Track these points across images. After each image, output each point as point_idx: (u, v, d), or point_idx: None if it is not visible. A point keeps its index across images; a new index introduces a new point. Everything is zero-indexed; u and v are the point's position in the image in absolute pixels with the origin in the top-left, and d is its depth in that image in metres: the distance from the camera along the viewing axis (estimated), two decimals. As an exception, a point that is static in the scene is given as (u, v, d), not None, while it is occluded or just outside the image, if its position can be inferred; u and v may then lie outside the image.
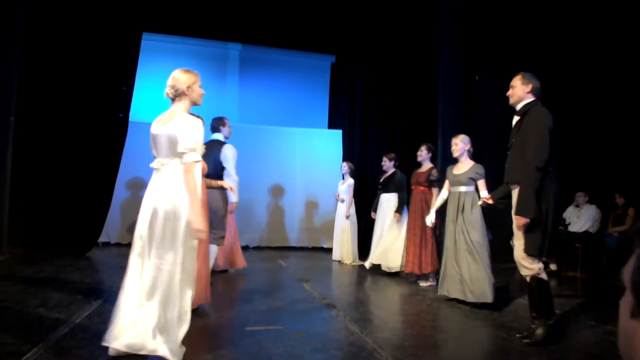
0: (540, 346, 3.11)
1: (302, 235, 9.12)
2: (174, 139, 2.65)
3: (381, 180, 6.47)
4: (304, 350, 2.91)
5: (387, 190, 6.32)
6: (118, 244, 8.10)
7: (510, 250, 7.66)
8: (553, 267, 6.65)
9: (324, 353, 2.90)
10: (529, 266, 3.21)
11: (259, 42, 9.28)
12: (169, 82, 2.83)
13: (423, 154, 5.59)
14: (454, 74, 8.05)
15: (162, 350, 2.47)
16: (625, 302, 0.70)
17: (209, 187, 4.35)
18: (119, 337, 2.49)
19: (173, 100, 2.86)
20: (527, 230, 3.16)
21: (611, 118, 7.19)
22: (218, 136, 4.91)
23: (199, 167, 2.67)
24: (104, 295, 4.14)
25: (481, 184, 4.46)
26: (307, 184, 9.06)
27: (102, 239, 7.54)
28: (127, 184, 8.19)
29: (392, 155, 6.50)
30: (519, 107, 3.45)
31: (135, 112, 7.60)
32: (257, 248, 8.54)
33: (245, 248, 8.34)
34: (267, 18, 8.54)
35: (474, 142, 7.88)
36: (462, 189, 4.45)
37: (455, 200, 4.46)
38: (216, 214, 4.47)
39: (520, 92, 3.42)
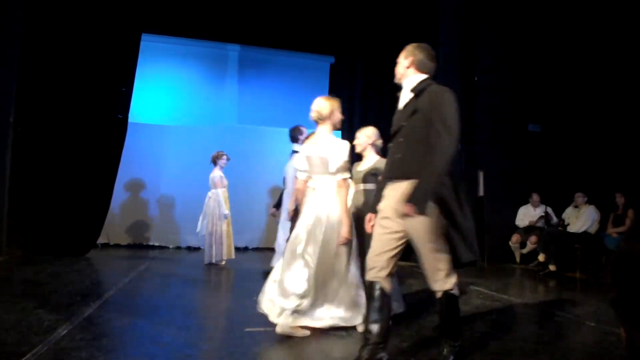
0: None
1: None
2: (325, 160, 3.11)
3: None
4: (303, 350, 2.91)
5: None
6: (117, 245, 8.10)
7: (507, 250, 7.69)
8: (552, 267, 6.65)
9: (324, 353, 2.90)
10: (445, 278, 2.56)
11: (258, 43, 9.27)
12: (314, 107, 3.25)
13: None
14: (453, 74, 8.06)
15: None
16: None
17: None
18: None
19: (317, 123, 3.27)
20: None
21: (611, 117, 7.20)
22: (296, 146, 4.89)
23: (348, 183, 3.20)
24: (103, 297, 4.14)
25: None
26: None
27: (101, 240, 7.53)
28: (126, 185, 8.18)
29: None
30: (406, 84, 2.78)
31: (135, 113, 7.60)
32: (257, 249, 8.53)
33: (244, 249, 8.35)
34: (266, 19, 8.53)
35: (473, 143, 7.86)
36: (365, 186, 3.87)
37: (359, 198, 3.87)
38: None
39: (401, 67, 2.80)
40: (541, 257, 6.91)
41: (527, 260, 7.38)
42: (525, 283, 6.16)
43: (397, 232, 2.57)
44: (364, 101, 9.15)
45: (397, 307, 3.64)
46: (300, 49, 9.49)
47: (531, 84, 7.89)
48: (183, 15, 8.30)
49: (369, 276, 2.64)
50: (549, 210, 7.31)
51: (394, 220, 2.57)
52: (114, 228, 8.07)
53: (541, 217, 7.26)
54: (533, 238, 7.08)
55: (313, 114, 3.24)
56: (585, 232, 6.64)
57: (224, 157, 6.65)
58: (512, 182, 7.73)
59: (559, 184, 7.49)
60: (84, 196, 6.55)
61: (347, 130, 9.37)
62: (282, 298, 3.18)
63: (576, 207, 6.91)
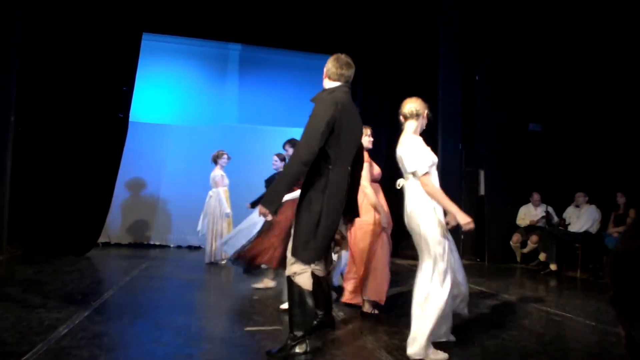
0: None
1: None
2: (402, 160, 3.05)
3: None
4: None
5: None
6: (118, 244, 8.10)
7: (508, 249, 7.68)
8: (553, 267, 6.64)
9: (325, 353, 2.90)
10: (289, 265, 2.81)
11: (259, 43, 9.26)
12: (410, 105, 3.18)
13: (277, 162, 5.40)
14: (454, 74, 8.06)
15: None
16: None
17: None
18: None
19: (405, 120, 3.19)
20: (297, 230, 2.76)
21: (612, 117, 7.18)
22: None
23: (432, 177, 2.99)
24: (103, 296, 4.14)
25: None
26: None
27: (102, 239, 7.54)
28: (127, 184, 8.19)
29: (283, 155, 6.06)
30: None
31: (135, 113, 7.60)
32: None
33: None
34: (267, 18, 8.52)
35: (474, 143, 7.87)
36: None
37: None
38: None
39: (323, 76, 3.09)
40: (542, 257, 6.91)
41: (528, 260, 7.38)
42: (525, 282, 6.16)
43: None
44: (365, 100, 9.14)
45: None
46: (302, 49, 9.48)
47: (532, 83, 7.88)
48: (184, 15, 8.29)
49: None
50: (550, 209, 7.30)
51: None
52: (115, 227, 8.08)
53: (542, 216, 7.25)
54: (534, 237, 7.08)
55: (408, 111, 3.16)
56: (586, 232, 6.63)
57: (225, 156, 6.65)
58: (513, 181, 7.73)
59: (560, 183, 7.48)
60: (85, 195, 6.56)
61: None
62: None
63: (577, 206, 6.90)
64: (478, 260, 7.72)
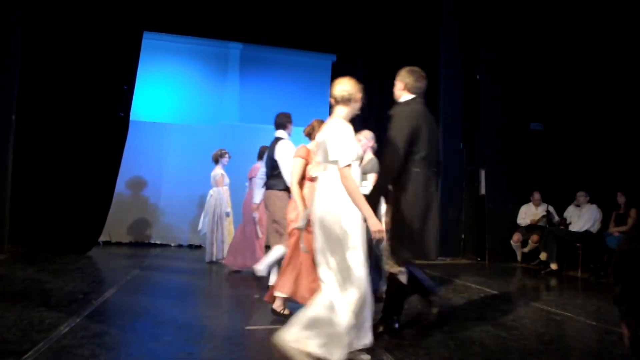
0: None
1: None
2: (325, 146, 2.69)
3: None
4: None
5: None
6: (119, 243, 8.11)
7: (509, 248, 7.68)
8: (554, 266, 6.64)
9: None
10: (389, 267, 3.23)
11: (260, 42, 9.26)
12: (341, 87, 2.81)
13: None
14: (455, 73, 8.05)
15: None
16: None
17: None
18: None
19: (337, 103, 2.83)
20: (394, 232, 3.11)
21: (613, 116, 7.17)
22: (282, 133, 4.69)
23: (353, 172, 2.70)
24: (104, 294, 4.15)
25: (371, 177, 4.27)
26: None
27: (103, 238, 7.55)
28: (127, 183, 8.20)
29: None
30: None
31: (136, 111, 7.61)
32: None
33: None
34: (267, 17, 8.52)
35: (475, 142, 7.86)
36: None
37: None
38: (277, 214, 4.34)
39: (397, 89, 3.36)
40: (543, 256, 6.90)
41: (529, 259, 7.37)
42: (526, 282, 6.16)
43: None
44: (366, 99, 9.14)
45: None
46: (302, 47, 9.47)
47: (533, 83, 7.87)
48: (185, 13, 8.29)
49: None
50: (551, 209, 7.29)
51: None
52: (116, 226, 8.08)
53: (543, 215, 7.25)
54: (535, 237, 7.08)
55: (340, 93, 2.83)
56: (586, 231, 6.62)
57: (227, 155, 6.65)
58: (514, 180, 7.72)
59: (561, 182, 7.47)
60: (86, 194, 6.57)
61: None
62: None
63: (578, 205, 6.90)
64: (479, 259, 7.72)
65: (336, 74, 9.97)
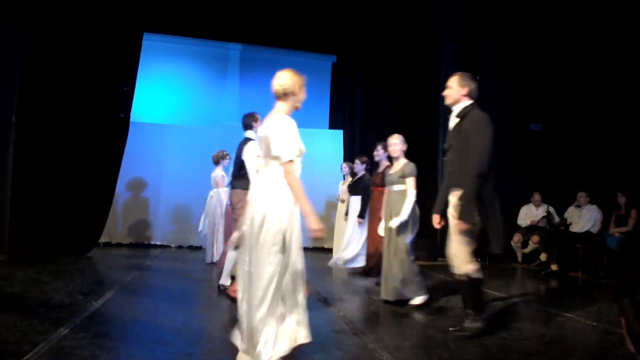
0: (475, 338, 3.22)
1: (303, 235, 9.09)
2: (267, 140, 2.60)
3: (350, 183, 6.55)
4: (304, 350, 2.91)
5: (355, 193, 6.36)
6: (119, 244, 8.11)
7: (509, 249, 7.67)
8: (554, 267, 6.63)
9: (325, 353, 2.90)
10: (463, 265, 3.32)
11: (260, 42, 9.28)
12: (279, 80, 2.73)
13: (380, 153, 5.43)
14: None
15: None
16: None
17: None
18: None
19: (278, 98, 2.76)
20: (471, 233, 3.27)
21: (612, 117, 7.17)
22: (251, 134, 4.74)
23: (297, 166, 2.66)
24: (105, 295, 4.14)
25: (410, 181, 4.34)
26: (308, 185, 8.97)
27: (103, 239, 7.55)
28: (128, 184, 8.20)
29: (365, 158, 6.44)
30: (455, 109, 3.50)
31: (136, 112, 7.61)
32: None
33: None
34: (267, 18, 8.53)
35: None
36: (394, 187, 4.40)
37: (389, 200, 4.43)
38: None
39: (456, 93, 3.48)
40: (543, 257, 6.90)
41: (529, 260, 7.37)
42: (527, 282, 6.16)
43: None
44: (366, 100, 9.15)
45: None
46: (302, 48, 9.48)
47: (533, 84, 7.87)
48: (185, 15, 8.30)
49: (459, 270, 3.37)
50: (551, 209, 7.29)
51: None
52: (116, 227, 8.09)
53: (543, 216, 7.24)
54: (535, 237, 7.07)
55: (278, 87, 2.76)
56: (587, 232, 6.62)
57: (227, 156, 6.62)
58: (514, 181, 7.71)
59: (561, 183, 7.47)
60: (86, 195, 6.57)
61: (349, 130, 9.41)
62: None
63: (578, 206, 6.90)
64: (479, 260, 7.69)
65: (336, 74, 9.99)
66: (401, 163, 4.45)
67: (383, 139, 8.85)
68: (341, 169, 7.66)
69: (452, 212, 3.36)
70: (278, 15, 8.48)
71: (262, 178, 2.65)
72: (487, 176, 3.32)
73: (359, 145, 9.11)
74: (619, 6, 6.85)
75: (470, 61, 7.99)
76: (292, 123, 2.64)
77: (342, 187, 7.35)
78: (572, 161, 7.62)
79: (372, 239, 5.42)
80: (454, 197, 3.37)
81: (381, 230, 4.56)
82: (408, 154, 5.40)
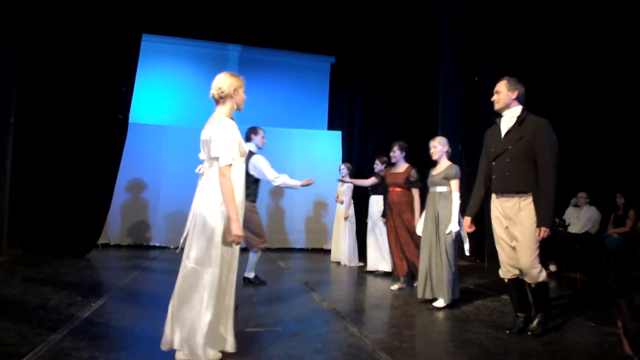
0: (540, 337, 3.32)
1: (302, 236, 9.12)
2: (209, 143, 2.69)
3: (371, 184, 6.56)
4: (303, 351, 2.91)
5: (377, 192, 6.38)
6: (118, 246, 8.10)
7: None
8: (553, 268, 6.64)
9: (324, 354, 2.90)
10: (539, 273, 3.31)
11: (259, 44, 9.29)
12: (215, 84, 2.80)
13: (397, 154, 5.48)
14: (453, 75, 8.06)
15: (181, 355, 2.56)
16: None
17: None
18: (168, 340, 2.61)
19: (217, 102, 2.84)
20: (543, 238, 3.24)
21: (611, 117, 7.18)
22: (250, 146, 4.77)
23: (237, 170, 2.71)
24: (103, 297, 4.14)
25: (453, 184, 4.40)
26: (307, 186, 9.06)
27: (102, 240, 7.54)
28: (126, 186, 8.19)
29: (384, 158, 6.48)
30: (506, 113, 3.59)
31: (135, 114, 7.61)
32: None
33: (244, 250, 8.34)
34: (266, 19, 8.54)
35: (474, 144, 7.85)
36: (437, 189, 4.47)
37: (432, 201, 4.49)
38: (252, 223, 4.73)
39: (507, 98, 3.55)
40: (542, 258, 6.91)
41: (528, 261, 7.36)
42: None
43: (514, 237, 3.35)
44: (365, 101, 9.16)
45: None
46: (301, 50, 9.50)
47: (531, 85, 7.85)
48: (184, 16, 8.30)
49: (506, 275, 3.51)
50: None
51: (511, 227, 3.36)
52: (115, 228, 8.08)
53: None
54: (534, 238, 7.07)
55: (214, 91, 2.82)
56: (586, 233, 6.63)
57: None
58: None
59: (559, 184, 7.46)
60: (85, 197, 6.56)
61: (348, 131, 9.41)
62: None
63: (577, 206, 6.90)
64: (478, 261, 7.72)
65: (335, 75, 10.01)
66: (444, 165, 4.51)
67: (382, 140, 8.93)
68: (339, 170, 7.66)
69: (522, 220, 3.33)
70: (277, 17, 8.49)
71: (204, 179, 2.75)
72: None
73: (358, 146, 9.12)
74: (619, 7, 6.87)
75: (468, 63, 8.01)
76: (232, 125, 2.71)
77: (341, 188, 7.35)
78: (570, 162, 7.62)
79: (394, 241, 5.31)
80: (524, 202, 3.37)
81: (419, 230, 4.62)
82: (408, 156, 5.42)
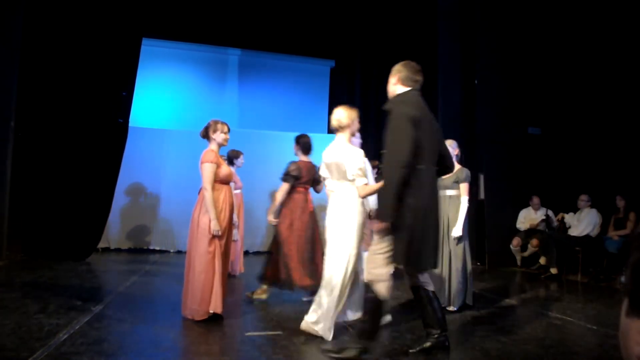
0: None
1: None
2: (342, 167, 3.31)
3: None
4: (303, 355, 2.90)
5: None
6: (118, 249, 8.09)
7: (508, 253, 7.66)
8: (554, 270, 6.63)
9: (324, 359, 2.89)
10: (373, 271, 2.87)
11: (258, 47, 9.31)
12: (335, 116, 3.44)
13: None
14: (453, 77, 8.07)
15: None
16: (624, 302, 0.72)
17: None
18: None
19: (336, 131, 3.46)
20: (391, 235, 2.79)
21: (611, 120, 7.19)
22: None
23: (367, 188, 3.27)
24: (103, 301, 4.13)
25: (463, 187, 4.43)
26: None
27: (102, 244, 7.53)
28: (126, 190, 8.18)
29: (375, 162, 6.44)
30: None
31: (135, 118, 7.61)
32: (257, 253, 8.52)
33: (245, 253, 8.33)
34: (266, 23, 8.57)
35: (473, 145, 7.85)
36: (447, 192, 4.46)
37: (441, 205, 4.39)
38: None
39: (390, 85, 3.12)
40: (542, 260, 6.90)
41: (529, 264, 7.37)
42: (526, 286, 6.15)
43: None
44: (364, 104, 9.16)
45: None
46: (301, 53, 9.52)
47: (531, 87, 7.89)
48: (183, 20, 8.33)
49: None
50: (550, 213, 7.29)
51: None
52: (115, 232, 8.07)
53: (542, 220, 7.25)
54: (534, 241, 7.07)
55: (334, 122, 3.42)
56: (586, 236, 6.62)
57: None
58: (513, 185, 7.72)
59: (560, 186, 7.48)
60: (85, 200, 6.55)
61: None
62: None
63: (577, 209, 6.90)
64: (478, 263, 7.71)
65: (335, 79, 10.02)
66: (455, 168, 4.44)
67: (381, 144, 8.90)
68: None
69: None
70: (277, 20, 8.52)
71: (337, 195, 3.46)
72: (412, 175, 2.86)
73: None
74: (618, 8, 6.89)
75: (468, 65, 8.02)
76: (360, 152, 3.48)
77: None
78: (571, 164, 7.63)
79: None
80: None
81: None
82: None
